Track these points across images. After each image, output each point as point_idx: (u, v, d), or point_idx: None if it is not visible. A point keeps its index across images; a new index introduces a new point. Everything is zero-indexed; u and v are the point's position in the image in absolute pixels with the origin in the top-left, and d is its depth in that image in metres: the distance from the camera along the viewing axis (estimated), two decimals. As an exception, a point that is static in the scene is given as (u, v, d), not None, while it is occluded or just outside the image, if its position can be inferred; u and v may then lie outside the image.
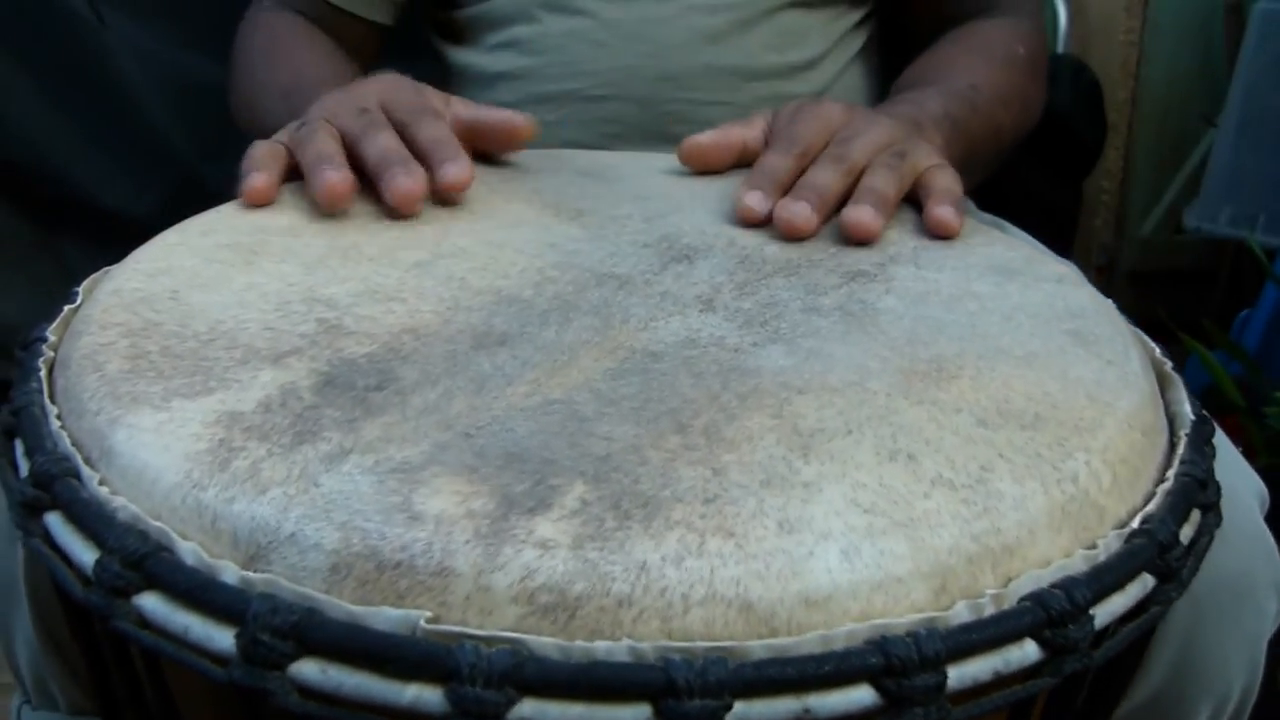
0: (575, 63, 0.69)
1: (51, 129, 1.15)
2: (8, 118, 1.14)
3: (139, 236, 0.46)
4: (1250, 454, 1.02)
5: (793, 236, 0.49)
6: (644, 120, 0.69)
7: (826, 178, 0.50)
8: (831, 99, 0.61)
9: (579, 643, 0.28)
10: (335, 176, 0.47)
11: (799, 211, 0.48)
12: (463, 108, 0.55)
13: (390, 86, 0.54)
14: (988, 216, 0.72)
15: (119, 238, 0.47)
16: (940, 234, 0.50)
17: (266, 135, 0.54)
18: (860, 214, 0.48)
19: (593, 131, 0.69)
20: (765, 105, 0.69)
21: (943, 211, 0.49)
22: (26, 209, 1.18)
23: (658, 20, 0.68)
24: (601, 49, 0.69)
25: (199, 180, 1.17)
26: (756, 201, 0.50)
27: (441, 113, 0.53)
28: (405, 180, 0.47)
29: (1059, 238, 0.69)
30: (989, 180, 0.72)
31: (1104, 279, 1.58)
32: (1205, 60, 1.49)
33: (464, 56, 0.74)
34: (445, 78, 0.76)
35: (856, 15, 0.73)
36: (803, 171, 0.51)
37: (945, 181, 0.51)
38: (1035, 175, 0.71)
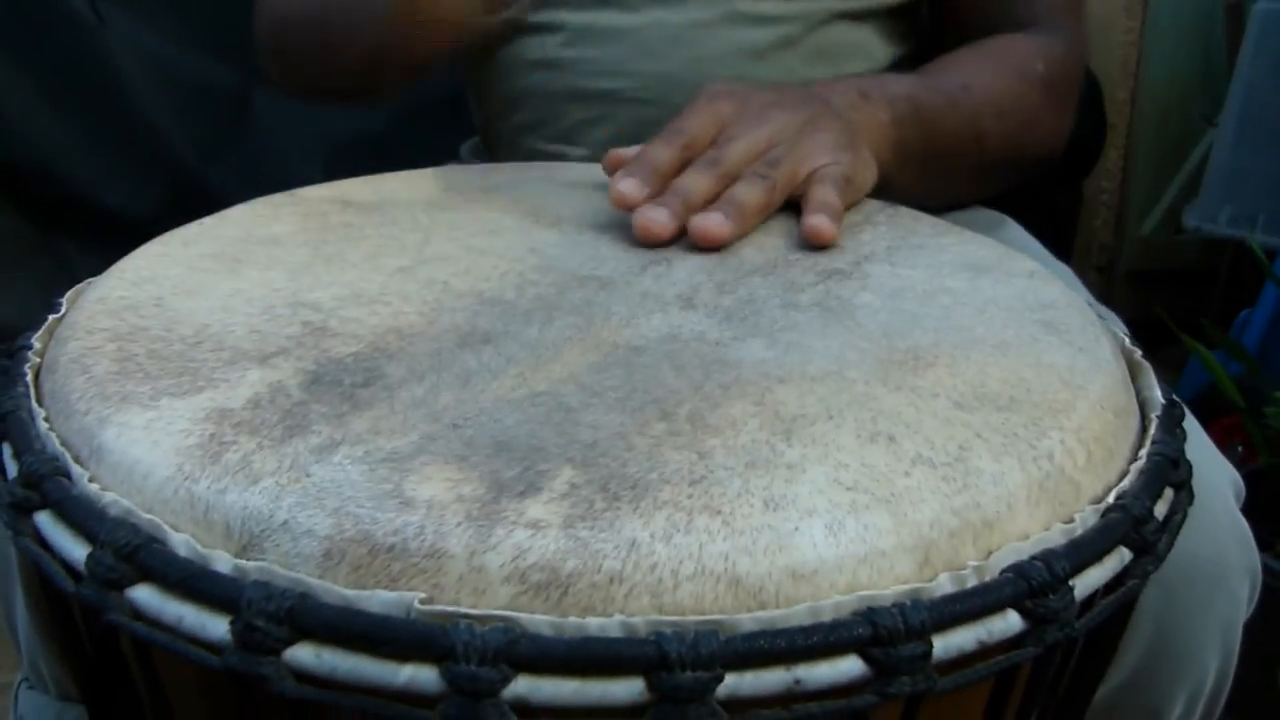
0: (617, 62, 0.68)
1: (51, 129, 1.15)
2: (8, 118, 1.14)
3: (139, 236, 0.47)
4: (1250, 454, 1.04)
5: (647, 241, 0.49)
6: None
7: (695, 183, 0.50)
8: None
9: (572, 619, 0.28)
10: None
11: (655, 217, 0.48)
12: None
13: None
14: (993, 213, 0.72)
15: (119, 238, 0.47)
16: (816, 243, 0.49)
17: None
18: (708, 220, 0.48)
19: (628, 134, 0.66)
20: None
21: (815, 221, 0.49)
22: (26, 209, 1.18)
23: (702, 28, 0.67)
24: (644, 52, 0.67)
25: (199, 180, 1.17)
26: (629, 188, 0.49)
27: None
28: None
29: (1059, 238, 0.69)
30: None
31: (1104, 279, 1.59)
32: (1205, 60, 1.51)
33: (503, 28, 0.72)
34: (470, 56, 0.75)
35: (902, 27, 0.72)
36: (685, 164, 0.51)
37: (821, 193, 0.51)
38: (1035, 175, 0.71)
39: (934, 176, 0.63)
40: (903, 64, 0.74)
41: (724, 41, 0.68)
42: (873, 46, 0.71)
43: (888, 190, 0.57)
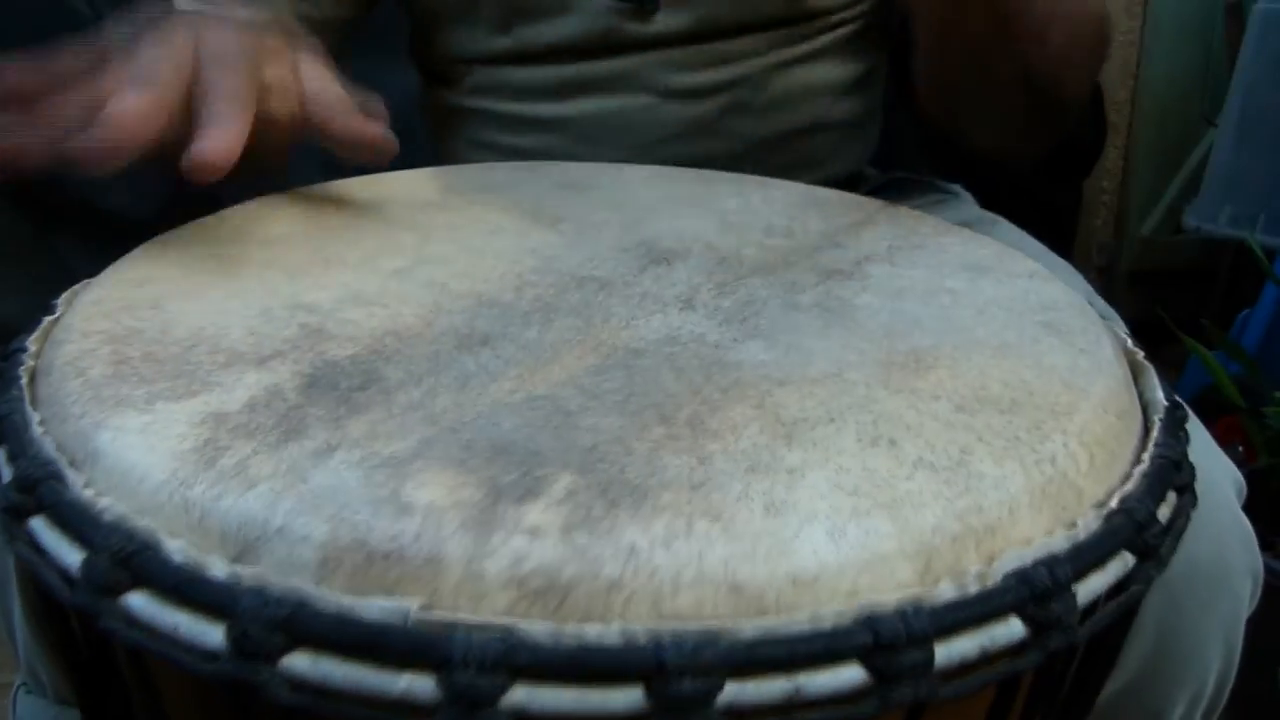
0: (557, 149, 0.67)
1: (51, 129, 1.15)
2: (7, 118, 1.13)
3: (139, 237, 0.46)
4: (1250, 454, 1.03)
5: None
6: None
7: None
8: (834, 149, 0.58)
9: (570, 627, 0.28)
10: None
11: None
12: (317, 105, 0.47)
13: (218, 34, 0.45)
14: (988, 214, 0.72)
15: (119, 238, 0.47)
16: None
17: None
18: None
19: None
20: (769, 175, 0.63)
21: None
22: (26, 209, 1.18)
23: (638, 112, 0.65)
24: (581, 139, 0.66)
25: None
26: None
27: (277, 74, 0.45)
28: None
29: (1059, 238, 0.68)
30: (990, 180, 0.71)
31: (1104, 279, 1.59)
32: (1205, 60, 1.51)
33: (454, 111, 0.71)
34: (431, 114, 0.75)
35: (865, 42, 0.69)
36: None
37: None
38: (1035, 175, 0.70)
39: (986, 52, 0.58)
40: (873, 75, 0.71)
41: (663, 122, 0.65)
42: (833, 77, 0.69)
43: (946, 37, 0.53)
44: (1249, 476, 0.59)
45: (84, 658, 0.37)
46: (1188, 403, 0.43)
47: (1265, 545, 0.58)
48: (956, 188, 0.76)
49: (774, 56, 0.66)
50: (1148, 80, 1.51)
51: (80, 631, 0.36)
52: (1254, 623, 0.55)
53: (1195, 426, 0.52)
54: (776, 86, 0.67)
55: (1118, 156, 1.54)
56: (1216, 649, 0.52)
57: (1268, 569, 0.57)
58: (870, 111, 0.73)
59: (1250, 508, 0.56)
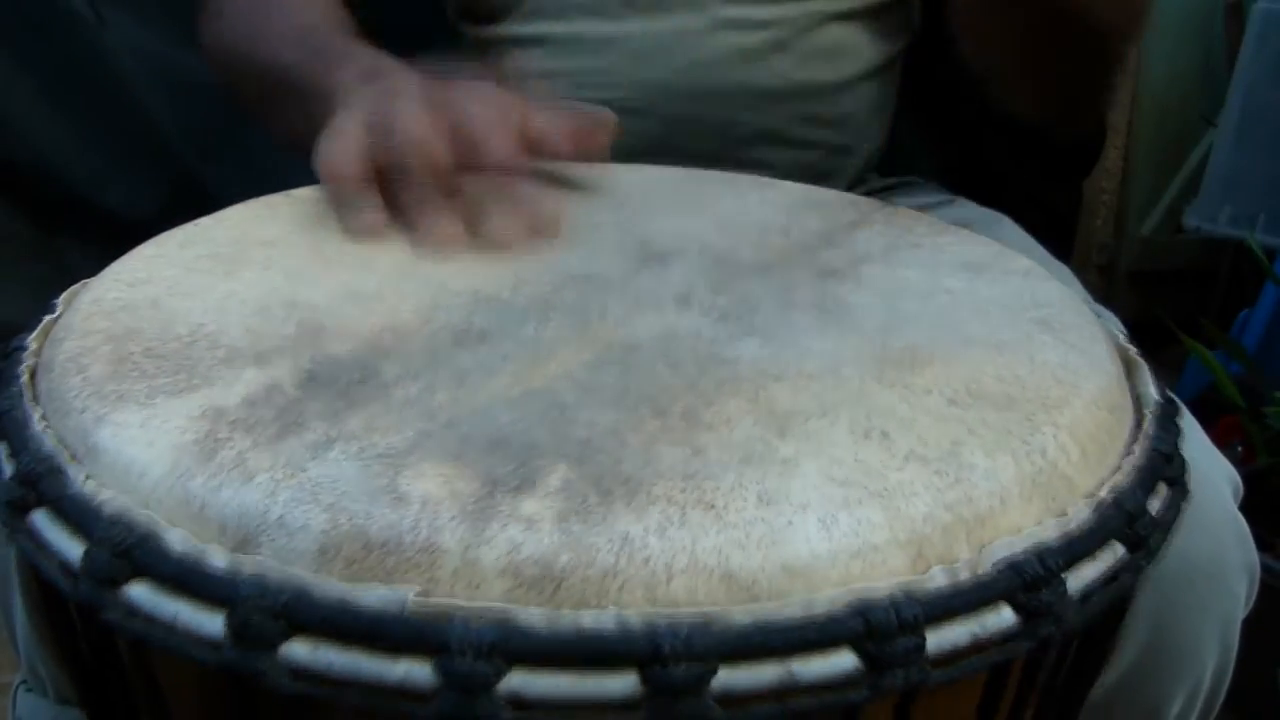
0: (605, 72, 0.68)
1: (51, 129, 1.15)
2: (8, 118, 1.14)
3: (139, 236, 0.47)
4: (1250, 454, 1.04)
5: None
6: (675, 137, 0.68)
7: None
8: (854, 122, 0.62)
9: (566, 613, 0.28)
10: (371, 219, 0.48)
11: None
12: (541, 118, 0.53)
13: (469, 97, 0.51)
14: (991, 212, 0.73)
15: (119, 238, 0.47)
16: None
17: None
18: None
19: (623, 143, 0.62)
20: (796, 125, 0.67)
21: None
22: (26, 209, 1.18)
23: (690, 35, 0.68)
24: (632, 61, 0.68)
25: (199, 180, 1.16)
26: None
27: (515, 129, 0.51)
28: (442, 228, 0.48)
29: (1059, 238, 0.69)
30: (990, 180, 0.72)
31: (1104, 279, 1.59)
32: (1205, 60, 1.51)
33: (501, 44, 0.72)
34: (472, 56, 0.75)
35: (892, 24, 0.73)
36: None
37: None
38: (1035, 175, 0.71)
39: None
40: (895, 61, 0.74)
41: (713, 47, 0.68)
42: (863, 45, 0.72)
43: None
44: (1248, 477, 0.59)
45: (85, 653, 0.37)
46: (1188, 403, 0.43)
47: (1265, 546, 0.58)
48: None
49: (824, 5, 0.70)
50: (1148, 80, 1.51)
51: (81, 625, 0.36)
52: (1253, 623, 0.55)
53: (1191, 425, 0.52)
54: (815, 35, 0.70)
55: (1118, 156, 1.54)
56: (1213, 646, 0.52)
57: (1267, 569, 0.57)
58: (884, 106, 0.75)
59: (1249, 508, 0.56)
